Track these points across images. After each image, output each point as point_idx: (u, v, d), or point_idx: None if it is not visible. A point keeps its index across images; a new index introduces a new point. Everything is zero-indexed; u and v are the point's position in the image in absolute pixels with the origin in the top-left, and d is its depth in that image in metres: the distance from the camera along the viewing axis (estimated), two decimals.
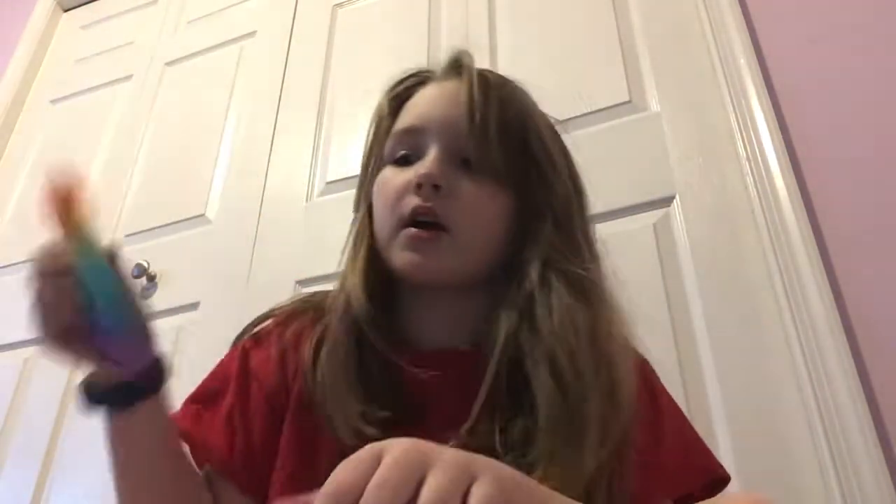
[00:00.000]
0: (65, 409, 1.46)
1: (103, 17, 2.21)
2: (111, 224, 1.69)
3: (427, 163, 0.61)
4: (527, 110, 0.67)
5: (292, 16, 1.84)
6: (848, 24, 1.22)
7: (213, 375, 0.69)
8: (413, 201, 0.60)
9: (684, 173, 1.19)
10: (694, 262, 1.11)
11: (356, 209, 0.71)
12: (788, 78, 1.21)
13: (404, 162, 0.64)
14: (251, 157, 1.63)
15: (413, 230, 0.60)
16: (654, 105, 1.29)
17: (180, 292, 1.50)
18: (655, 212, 1.18)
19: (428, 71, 0.73)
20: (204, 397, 0.66)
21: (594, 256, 0.67)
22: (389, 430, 0.50)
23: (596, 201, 1.23)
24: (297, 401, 0.62)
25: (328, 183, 1.50)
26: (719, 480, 0.67)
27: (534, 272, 0.60)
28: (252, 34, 1.87)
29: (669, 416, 0.68)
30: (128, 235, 1.66)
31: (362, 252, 0.66)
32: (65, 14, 2.30)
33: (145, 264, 1.52)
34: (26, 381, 1.55)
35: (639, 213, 1.19)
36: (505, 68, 1.46)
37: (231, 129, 1.72)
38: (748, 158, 1.15)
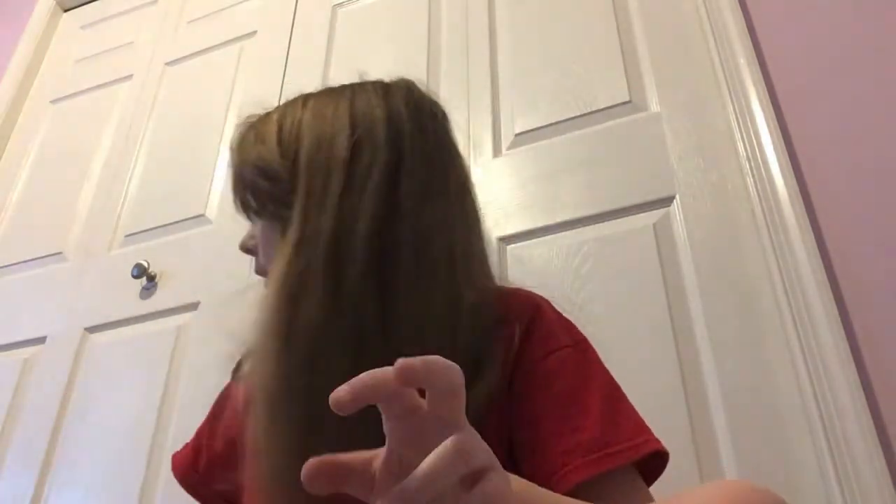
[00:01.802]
0: (65, 409, 1.46)
1: (103, 17, 2.21)
2: (111, 224, 1.69)
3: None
4: (242, 157, 0.70)
5: (292, 16, 1.84)
6: (848, 25, 1.22)
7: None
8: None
9: (684, 173, 1.19)
10: (694, 262, 1.11)
11: None
12: (788, 78, 1.21)
13: None
14: None
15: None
16: (654, 105, 1.29)
17: (180, 292, 1.50)
18: (655, 212, 1.18)
19: None
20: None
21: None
22: None
23: (596, 201, 1.25)
24: None
25: None
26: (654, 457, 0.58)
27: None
28: (252, 34, 1.87)
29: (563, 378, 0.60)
30: (128, 235, 1.66)
31: None
32: (65, 14, 2.30)
33: (145, 264, 1.52)
34: (26, 381, 1.55)
35: (639, 213, 1.19)
36: (505, 68, 1.47)
37: (231, 129, 1.71)
38: (748, 158, 1.15)
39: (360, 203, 0.60)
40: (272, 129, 0.67)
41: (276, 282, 0.60)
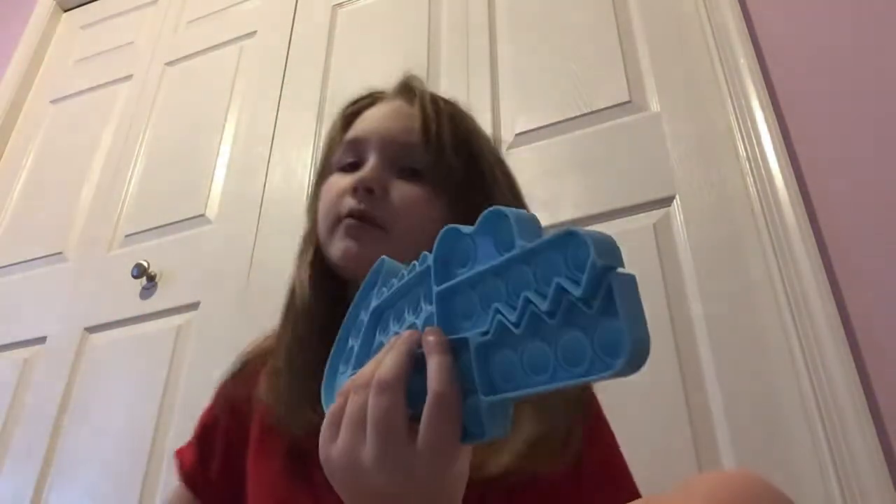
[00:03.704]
0: (65, 409, 1.46)
1: (103, 17, 2.21)
2: (111, 224, 1.69)
3: (365, 169, 0.66)
4: (473, 128, 0.73)
5: (292, 16, 1.84)
6: (848, 25, 1.22)
7: (204, 412, 0.80)
8: (349, 202, 0.65)
9: (684, 173, 1.19)
10: (694, 262, 1.11)
11: (308, 217, 0.76)
12: (788, 78, 1.21)
13: (350, 169, 0.69)
14: (251, 157, 1.63)
15: (351, 220, 0.64)
16: (654, 105, 1.29)
17: (180, 292, 1.50)
18: (655, 212, 1.18)
19: (380, 92, 0.77)
20: (195, 431, 0.78)
21: None
22: None
23: (596, 201, 1.24)
24: (258, 428, 0.69)
25: None
26: None
27: None
28: (252, 34, 1.87)
29: (600, 444, 0.66)
30: (128, 235, 1.66)
31: (309, 255, 0.71)
32: (65, 14, 2.30)
33: (145, 264, 1.52)
34: (26, 381, 1.55)
35: (639, 213, 1.19)
36: (505, 68, 1.47)
37: (231, 129, 1.72)
38: (748, 158, 1.15)
39: None
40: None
41: None
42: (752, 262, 1.08)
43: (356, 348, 0.49)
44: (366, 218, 0.64)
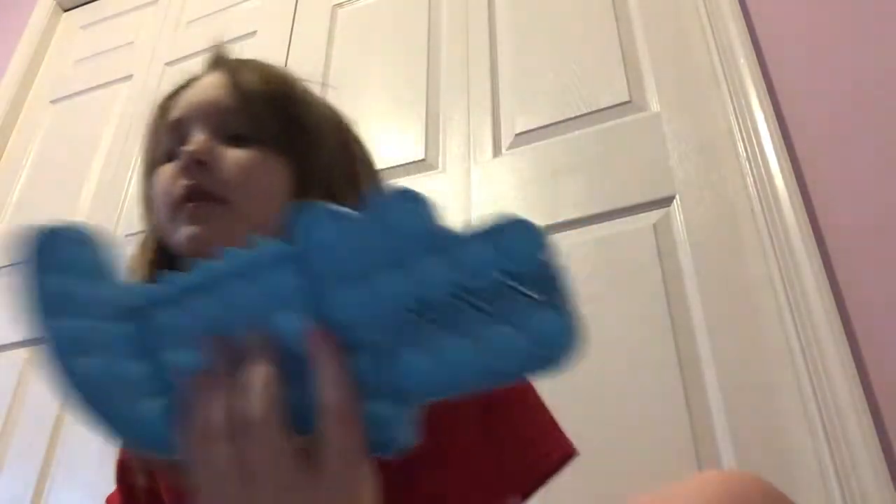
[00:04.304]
0: (65, 410, 1.46)
1: (103, 17, 2.21)
2: (111, 224, 1.69)
3: (190, 142, 0.62)
4: (288, 83, 0.69)
5: (292, 16, 1.84)
6: (849, 25, 1.22)
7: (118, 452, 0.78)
8: (182, 182, 0.60)
9: (684, 173, 1.19)
10: (694, 262, 1.11)
11: (146, 221, 0.70)
12: (788, 78, 1.21)
13: (175, 156, 0.64)
14: None
15: (188, 204, 0.59)
16: (654, 105, 1.29)
17: None
18: (655, 212, 1.18)
19: (191, 76, 0.72)
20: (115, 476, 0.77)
21: None
22: None
23: (596, 201, 1.24)
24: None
25: None
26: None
27: None
28: (252, 34, 1.87)
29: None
30: (128, 235, 1.65)
31: (149, 251, 0.66)
32: (65, 14, 2.30)
33: None
34: (26, 381, 1.55)
35: (639, 213, 1.19)
36: (505, 68, 1.47)
37: None
38: (748, 158, 1.15)
39: None
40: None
41: None
42: (752, 262, 1.08)
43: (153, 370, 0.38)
44: (204, 194, 0.59)
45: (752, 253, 1.09)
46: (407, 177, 1.41)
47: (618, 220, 1.19)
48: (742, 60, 1.23)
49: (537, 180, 1.29)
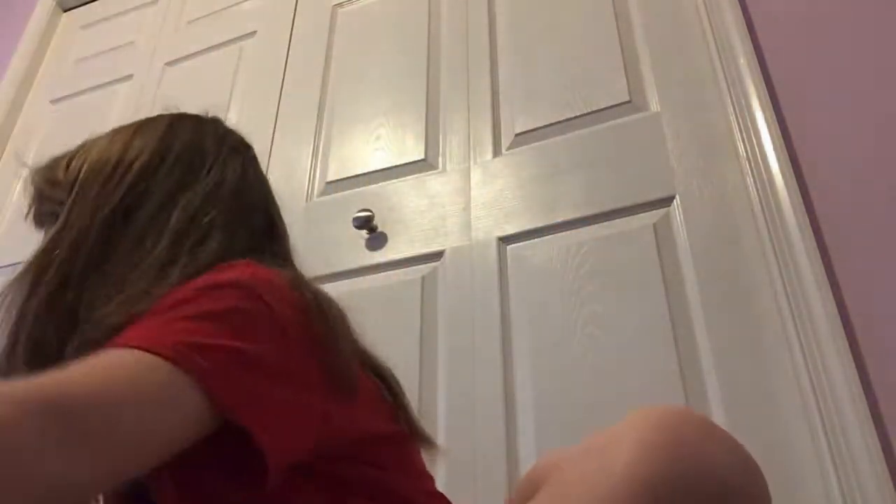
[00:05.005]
0: None
1: (103, 17, 2.21)
2: None
3: None
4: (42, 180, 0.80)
5: (292, 16, 1.84)
6: (849, 24, 1.22)
7: None
8: None
9: (684, 173, 1.19)
10: (694, 262, 1.11)
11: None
12: (788, 78, 1.21)
13: None
14: None
15: None
16: (654, 105, 1.29)
17: None
18: (655, 212, 1.18)
19: None
20: None
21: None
22: None
23: (596, 201, 1.24)
24: None
25: (328, 183, 1.50)
26: None
27: None
28: (252, 34, 1.87)
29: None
30: None
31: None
32: (65, 14, 2.30)
33: None
34: None
35: (639, 213, 1.19)
36: (505, 68, 1.47)
37: (231, 128, 1.71)
38: (748, 158, 1.15)
39: None
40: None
41: None
42: (752, 262, 1.08)
43: None
44: None
45: (752, 253, 1.09)
46: (407, 177, 1.41)
47: (618, 220, 1.19)
48: (742, 60, 1.23)
49: (537, 180, 1.29)
